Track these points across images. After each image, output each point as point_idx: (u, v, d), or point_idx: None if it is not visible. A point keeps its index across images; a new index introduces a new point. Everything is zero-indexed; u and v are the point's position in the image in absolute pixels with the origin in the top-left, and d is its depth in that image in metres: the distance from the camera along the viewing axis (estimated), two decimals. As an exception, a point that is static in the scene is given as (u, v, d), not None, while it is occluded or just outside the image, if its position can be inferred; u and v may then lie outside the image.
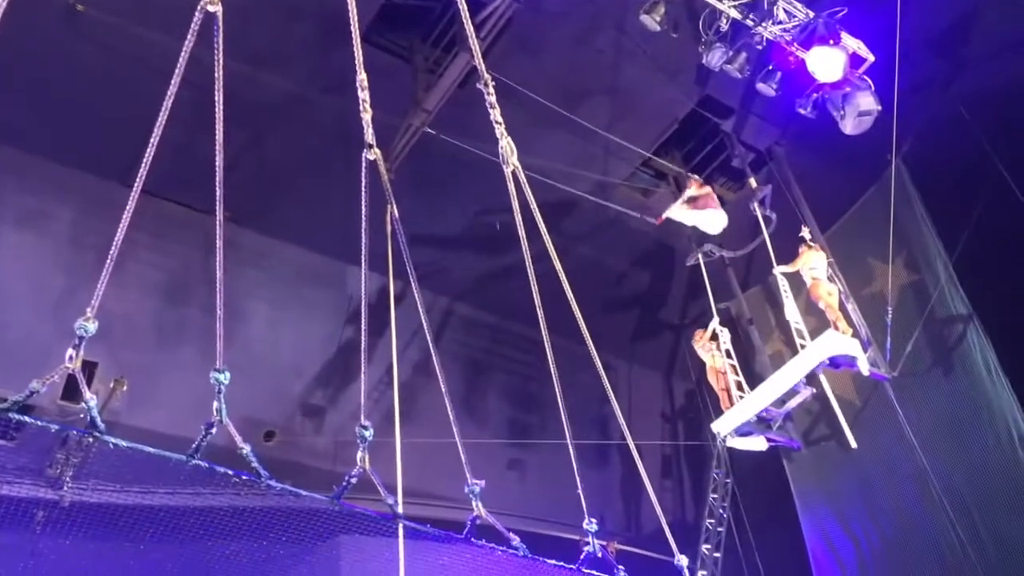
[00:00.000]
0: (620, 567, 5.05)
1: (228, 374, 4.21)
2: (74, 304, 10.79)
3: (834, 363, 11.14)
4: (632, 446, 5.61)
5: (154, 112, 4.09)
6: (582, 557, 5.02)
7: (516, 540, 4.83)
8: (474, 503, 4.62)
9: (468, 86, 10.98)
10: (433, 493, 12.28)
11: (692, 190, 12.50)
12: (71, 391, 9.83)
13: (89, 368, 10.57)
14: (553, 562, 5.20)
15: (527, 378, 15.21)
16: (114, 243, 4.04)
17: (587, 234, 13.89)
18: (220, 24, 3.79)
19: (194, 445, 4.32)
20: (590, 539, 4.94)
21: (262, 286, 13.01)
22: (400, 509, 5.65)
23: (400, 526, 7.93)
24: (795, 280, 12.34)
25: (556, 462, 12.32)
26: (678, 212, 12.53)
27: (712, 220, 12.37)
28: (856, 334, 11.65)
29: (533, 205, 4.38)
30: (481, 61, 4.17)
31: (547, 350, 5.07)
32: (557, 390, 5.22)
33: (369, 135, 4.09)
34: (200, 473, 4.61)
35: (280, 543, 10.82)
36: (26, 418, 4.19)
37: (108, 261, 3.97)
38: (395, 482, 8.78)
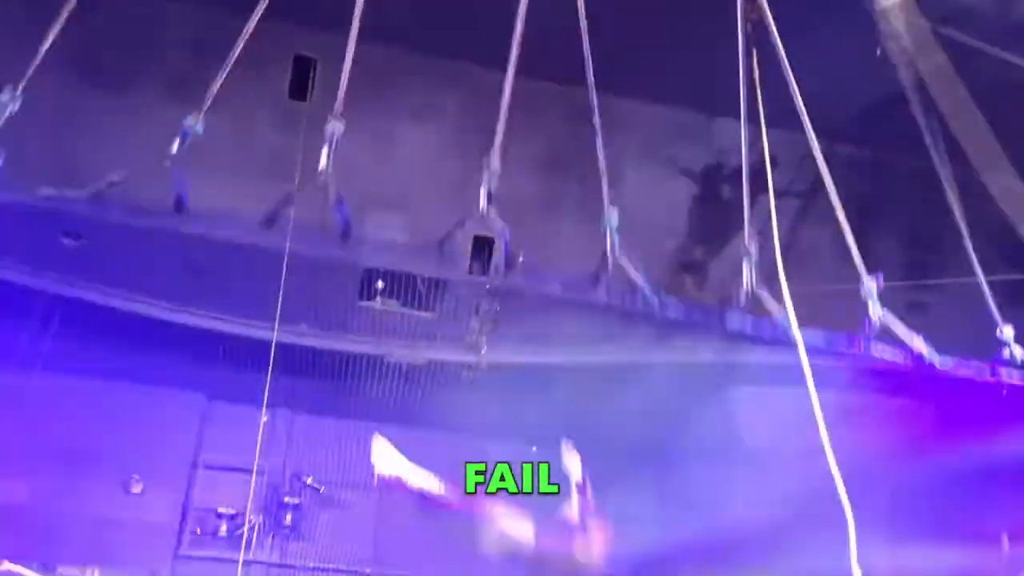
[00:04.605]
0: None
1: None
2: (469, 187, 11.83)
3: None
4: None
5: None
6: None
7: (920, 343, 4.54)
8: (870, 304, 4.41)
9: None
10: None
11: None
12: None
13: (487, 244, 11.60)
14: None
15: (920, 215, 14.01)
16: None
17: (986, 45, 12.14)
18: None
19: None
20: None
21: (629, 149, 13.17)
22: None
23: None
24: None
25: (964, 300, 11.41)
26: None
27: None
28: None
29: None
30: None
31: (946, 184, 4.64)
32: (961, 225, 4.79)
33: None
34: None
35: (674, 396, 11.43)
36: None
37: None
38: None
